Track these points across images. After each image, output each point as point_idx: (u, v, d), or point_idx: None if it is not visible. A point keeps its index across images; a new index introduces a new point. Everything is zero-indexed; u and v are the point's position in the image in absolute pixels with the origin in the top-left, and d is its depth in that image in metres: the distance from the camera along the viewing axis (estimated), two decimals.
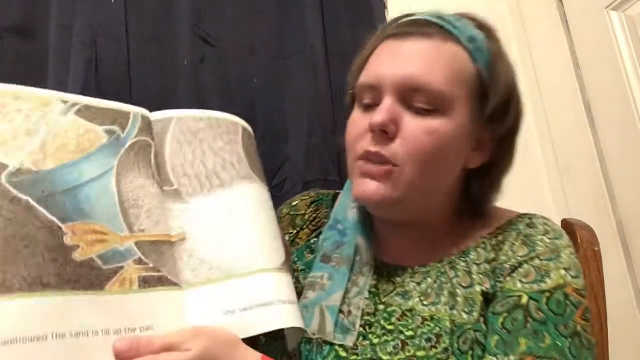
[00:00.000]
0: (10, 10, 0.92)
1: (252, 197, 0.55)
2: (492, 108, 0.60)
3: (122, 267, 0.45)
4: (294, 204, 0.76)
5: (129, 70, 0.97)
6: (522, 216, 0.64)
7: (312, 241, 0.70)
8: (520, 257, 0.59)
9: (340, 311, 0.60)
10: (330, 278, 0.62)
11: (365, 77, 0.62)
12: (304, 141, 1.09)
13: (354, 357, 0.58)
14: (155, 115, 0.54)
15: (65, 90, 0.90)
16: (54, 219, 0.43)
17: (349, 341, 0.59)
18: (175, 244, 0.49)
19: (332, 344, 0.59)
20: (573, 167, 1.31)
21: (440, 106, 0.58)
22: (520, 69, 1.40)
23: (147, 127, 0.52)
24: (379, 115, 0.57)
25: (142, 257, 0.47)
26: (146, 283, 0.46)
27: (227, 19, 1.09)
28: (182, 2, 1.04)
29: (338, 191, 0.76)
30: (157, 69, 1.00)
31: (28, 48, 0.92)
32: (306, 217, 0.73)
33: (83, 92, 0.90)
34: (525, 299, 0.55)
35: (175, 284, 0.48)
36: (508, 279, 0.58)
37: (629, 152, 1.20)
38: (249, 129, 0.60)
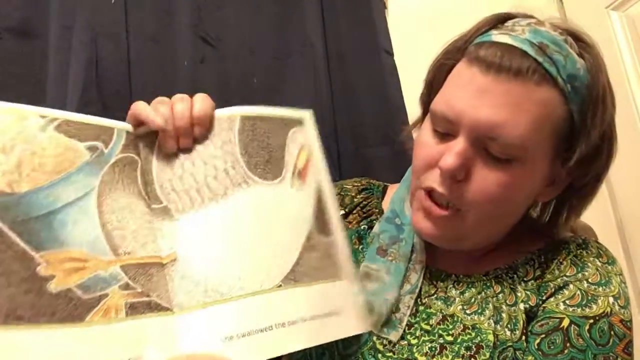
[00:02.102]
0: (10, 10, 0.92)
1: (250, 205, 0.51)
2: (579, 154, 0.54)
3: (106, 295, 0.42)
4: (345, 185, 0.75)
5: (129, 70, 0.97)
6: (575, 236, 0.62)
7: (361, 227, 0.69)
8: (567, 277, 0.56)
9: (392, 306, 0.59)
10: (388, 272, 0.61)
11: (442, 106, 0.55)
12: None
13: (390, 354, 0.57)
14: (140, 130, 0.51)
15: (65, 91, 0.90)
16: (27, 247, 0.40)
17: (394, 336, 0.57)
18: (166, 266, 0.46)
19: (370, 334, 0.58)
20: None
21: (517, 157, 0.53)
22: None
23: (132, 142, 0.50)
24: (450, 160, 0.53)
25: (129, 282, 0.44)
26: (134, 310, 0.43)
27: (227, 19, 1.08)
28: (182, 2, 1.04)
29: (387, 184, 0.75)
30: (157, 69, 1.00)
31: (28, 48, 0.92)
32: (355, 200, 0.72)
33: (83, 92, 0.90)
34: (566, 322, 0.53)
35: (167, 309, 0.45)
36: (551, 299, 0.55)
37: (629, 152, 1.19)
38: (250, 112, 0.55)
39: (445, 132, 0.55)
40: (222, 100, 1.03)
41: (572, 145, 0.55)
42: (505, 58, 0.52)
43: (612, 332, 0.52)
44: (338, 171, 1.09)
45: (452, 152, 0.53)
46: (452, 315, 0.58)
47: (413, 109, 1.13)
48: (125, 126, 0.51)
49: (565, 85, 0.52)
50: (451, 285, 0.61)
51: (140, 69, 0.98)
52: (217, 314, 0.46)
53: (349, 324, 0.53)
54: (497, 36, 0.55)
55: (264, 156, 0.53)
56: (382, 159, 1.08)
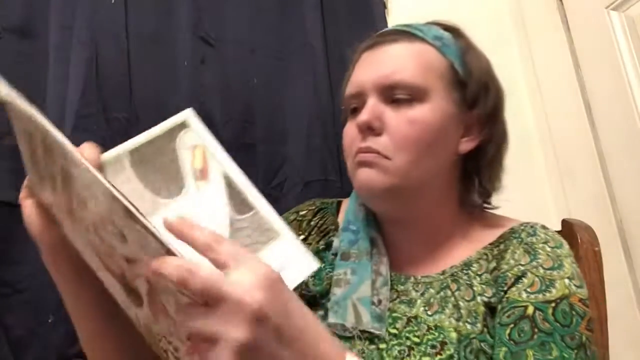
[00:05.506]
0: (10, 10, 0.92)
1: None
2: (471, 93, 0.65)
3: None
4: (300, 212, 0.77)
5: (129, 70, 0.97)
6: (524, 224, 0.65)
7: (320, 246, 0.71)
8: (523, 265, 0.60)
9: (371, 302, 0.62)
10: (353, 272, 0.64)
11: (349, 88, 0.68)
12: (304, 141, 1.09)
13: None
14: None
15: (65, 91, 0.90)
16: None
17: (381, 329, 0.60)
18: None
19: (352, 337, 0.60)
20: (573, 168, 1.30)
21: (417, 95, 0.62)
22: (521, 69, 1.40)
23: None
24: (364, 114, 0.62)
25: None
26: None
27: (227, 19, 1.09)
28: (182, 2, 1.04)
29: (340, 199, 0.78)
30: (157, 69, 1.00)
31: (28, 48, 0.92)
32: (312, 223, 0.75)
33: (83, 92, 0.91)
34: (531, 309, 0.56)
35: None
36: (513, 289, 0.58)
37: (629, 152, 1.20)
38: (135, 144, 0.54)
39: (358, 108, 0.65)
40: (222, 100, 1.04)
41: (464, 88, 0.65)
42: (381, 37, 0.67)
43: (573, 312, 0.56)
44: (339, 171, 1.09)
45: (364, 109, 0.63)
46: (415, 317, 0.61)
47: None
48: None
49: (434, 41, 0.66)
50: (411, 288, 0.64)
51: (140, 69, 0.98)
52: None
53: (296, 273, 0.53)
54: (374, 35, 0.69)
55: (161, 177, 0.55)
56: None
